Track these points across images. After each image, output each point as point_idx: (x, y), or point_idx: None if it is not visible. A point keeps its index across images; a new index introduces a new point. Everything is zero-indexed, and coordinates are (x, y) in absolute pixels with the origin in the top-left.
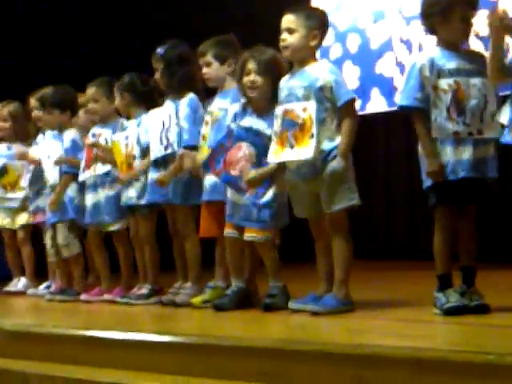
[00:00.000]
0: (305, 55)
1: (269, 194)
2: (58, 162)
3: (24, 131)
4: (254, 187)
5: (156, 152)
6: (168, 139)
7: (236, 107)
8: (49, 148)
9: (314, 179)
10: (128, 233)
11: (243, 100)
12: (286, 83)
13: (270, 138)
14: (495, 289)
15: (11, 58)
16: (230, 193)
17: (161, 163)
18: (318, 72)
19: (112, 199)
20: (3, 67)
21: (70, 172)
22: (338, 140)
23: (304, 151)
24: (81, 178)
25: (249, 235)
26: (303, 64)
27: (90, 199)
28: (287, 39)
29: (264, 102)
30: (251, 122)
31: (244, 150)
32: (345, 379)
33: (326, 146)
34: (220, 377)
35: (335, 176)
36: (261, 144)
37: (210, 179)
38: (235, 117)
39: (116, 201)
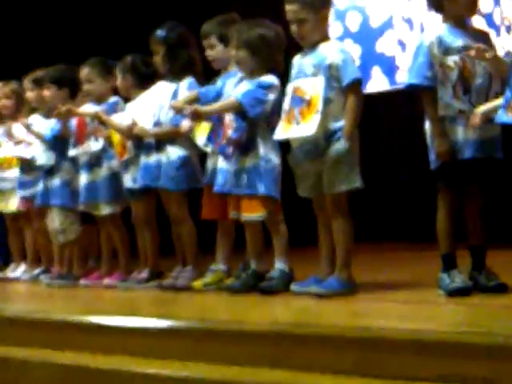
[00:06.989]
0: (318, 37)
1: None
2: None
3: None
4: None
5: None
6: (159, 118)
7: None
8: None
9: (317, 158)
10: (121, 216)
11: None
12: (298, 61)
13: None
14: (502, 269)
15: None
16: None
17: (152, 146)
18: (328, 50)
19: (107, 181)
20: None
21: None
22: (343, 121)
23: (307, 127)
24: (71, 153)
25: (246, 215)
26: (316, 43)
27: (84, 179)
28: (299, 32)
29: (250, 74)
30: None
31: (227, 117)
32: (348, 363)
33: (331, 125)
34: (222, 361)
35: (338, 158)
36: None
37: (212, 161)
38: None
39: (111, 182)
